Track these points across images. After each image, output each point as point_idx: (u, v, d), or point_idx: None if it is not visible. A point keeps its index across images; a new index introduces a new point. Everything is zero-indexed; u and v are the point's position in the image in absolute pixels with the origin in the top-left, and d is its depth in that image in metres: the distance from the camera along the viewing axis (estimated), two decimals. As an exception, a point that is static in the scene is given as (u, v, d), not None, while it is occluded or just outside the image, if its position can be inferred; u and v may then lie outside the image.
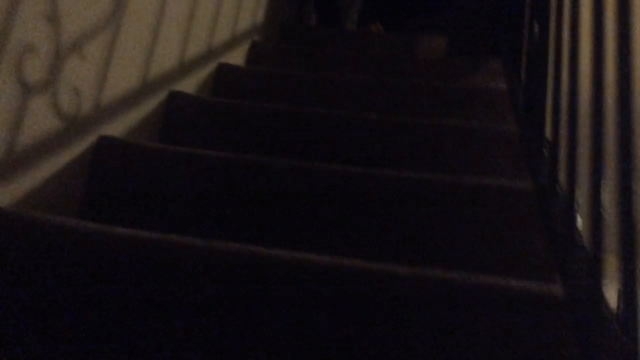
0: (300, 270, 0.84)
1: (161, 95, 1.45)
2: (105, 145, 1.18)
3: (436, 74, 1.92)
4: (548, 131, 1.02)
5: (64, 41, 1.01)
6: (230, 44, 1.93)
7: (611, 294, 0.66)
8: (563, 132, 0.88)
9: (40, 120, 0.98)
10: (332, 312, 0.79)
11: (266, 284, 0.82)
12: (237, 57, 2.00)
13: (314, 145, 1.44)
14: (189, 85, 1.61)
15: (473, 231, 1.00)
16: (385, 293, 0.79)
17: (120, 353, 0.82)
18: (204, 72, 1.72)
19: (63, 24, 1.00)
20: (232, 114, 1.52)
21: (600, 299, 0.67)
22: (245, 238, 1.11)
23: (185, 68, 1.57)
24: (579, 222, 0.80)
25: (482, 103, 1.59)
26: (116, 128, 1.24)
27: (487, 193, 1.01)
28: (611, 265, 0.66)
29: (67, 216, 1.10)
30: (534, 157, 1.05)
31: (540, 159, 1.02)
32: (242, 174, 1.18)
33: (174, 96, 1.49)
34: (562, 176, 0.87)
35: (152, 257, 0.86)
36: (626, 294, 0.60)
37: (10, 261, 0.87)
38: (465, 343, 0.75)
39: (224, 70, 1.83)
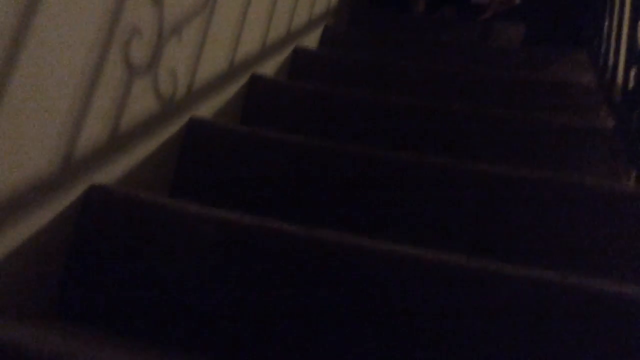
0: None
1: (244, 78, 1.46)
2: (196, 126, 1.19)
3: (517, 65, 1.86)
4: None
5: (166, 24, 1.02)
6: (306, 28, 1.93)
7: None
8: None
9: (141, 101, 1.00)
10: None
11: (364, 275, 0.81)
12: (311, 41, 2.00)
13: (391, 133, 1.42)
14: (268, 68, 1.61)
15: (572, 229, 0.97)
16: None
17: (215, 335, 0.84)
18: (282, 56, 1.73)
19: (165, 7, 1.01)
20: (309, 98, 1.51)
21: None
22: (325, 223, 1.11)
23: (266, 52, 1.57)
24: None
25: (572, 97, 1.53)
26: (205, 109, 1.25)
27: (589, 193, 0.98)
28: None
29: (159, 194, 1.12)
30: (638, 156, 1.01)
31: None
32: (317, 159, 1.18)
33: (256, 79, 1.49)
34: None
35: (251, 242, 0.87)
36: None
37: (116, 237, 0.90)
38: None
39: (300, 54, 1.82)
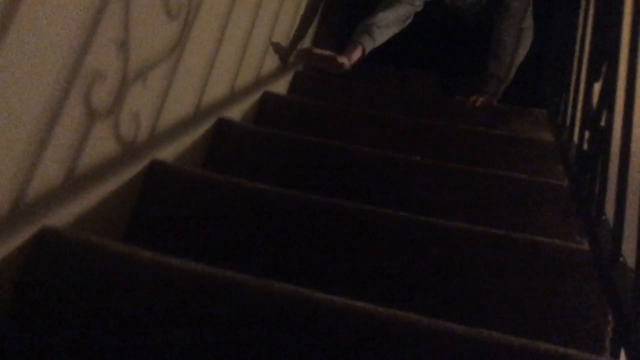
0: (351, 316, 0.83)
1: (210, 122, 1.46)
2: (156, 169, 1.19)
3: (478, 121, 1.91)
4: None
5: (131, 69, 1.02)
6: (276, 74, 1.95)
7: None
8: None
9: (101, 144, 0.99)
10: None
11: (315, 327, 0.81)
12: (281, 87, 2.02)
13: (354, 182, 1.43)
14: (236, 112, 1.62)
15: (526, 289, 0.98)
16: (440, 350, 0.77)
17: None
18: (250, 100, 1.74)
19: (131, 52, 1.01)
20: (275, 144, 1.52)
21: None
22: (285, 274, 1.10)
23: (234, 96, 1.59)
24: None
25: (529, 153, 1.58)
26: (167, 153, 1.24)
27: (543, 251, 1.00)
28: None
29: (114, 237, 1.11)
30: (592, 220, 1.03)
31: (598, 224, 1.00)
32: (279, 207, 1.18)
33: (222, 123, 1.50)
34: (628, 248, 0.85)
35: (204, 291, 0.86)
36: None
37: (65, 280, 0.88)
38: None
39: (268, 99, 1.84)
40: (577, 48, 1.56)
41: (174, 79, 1.19)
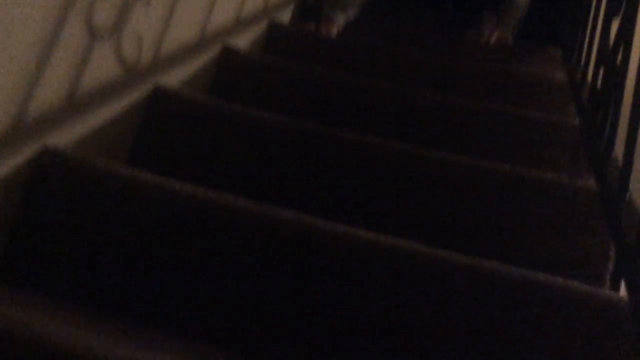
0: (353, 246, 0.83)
1: (215, 50, 1.43)
2: (160, 95, 1.17)
3: (492, 58, 1.86)
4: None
5: (133, -13, 0.99)
6: (282, 2, 1.89)
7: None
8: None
9: (103, 65, 0.97)
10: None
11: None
12: (286, 15, 1.96)
13: (361, 115, 1.41)
14: (242, 40, 1.58)
15: (530, 225, 0.98)
16: (440, 279, 0.78)
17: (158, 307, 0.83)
18: (256, 30, 1.69)
19: (134, -32, 0.98)
20: (282, 74, 1.49)
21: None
22: (286, 202, 1.10)
23: (240, 24, 1.54)
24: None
25: (541, 92, 1.54)
26: (171, 78, 1.22)
27: (549, 188, 0.99)
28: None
29: (117, 162, 1.10)
30: (600, 157, 1.02)
31: (607, 160, 0.99)
32: (284, 138, 1.17)
33: (227, 51, 1.46)
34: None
35: (206, 215, 0.85)
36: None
37: (65, 201, 0.88)
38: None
39: (274, 29, 1.79)
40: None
41: (178, 3, 1.15)
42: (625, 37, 1.14)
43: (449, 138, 1.33)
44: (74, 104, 0.93)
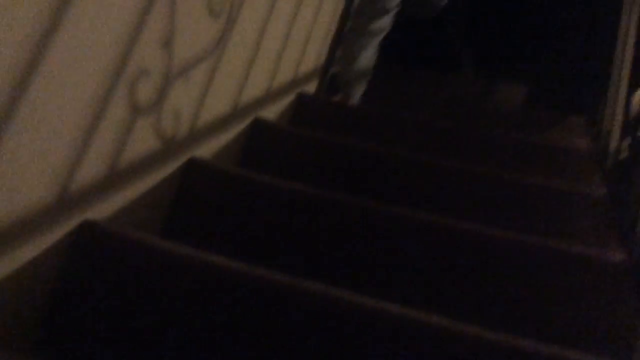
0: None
1: (246, 121, 1.48)
2: (194, 166, 1.21)
3: (516, 126, 1.89)
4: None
5: (174, 66, 1.05)
6: (311, 75, 1.97)
7: None
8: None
9: (143, 140, 1.02)
10: None
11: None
12: (312, 87, 2.03)
13: (389, 186, 1.44)
14: (271, 112, 1.64)
15: (559, 299, 0.98)
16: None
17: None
18: (285, 101, 1.76)
19: (175, 49, 1.04)
20: (310, 145, 1.53)
21: None
22: (317, 274, 1.12)
23: (270, 96, 1.61)
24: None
25: (566, 161, 1.56)
26: (205, 150, 1.27)
27: (577, 260, 0.99)
28: None
29: (152, 232, 1.14)
30: (626, 230, 1.02)
31: (633, 232, 0.99)
32: (313, 208, 1.19)
33: (258, 123, 1.52)
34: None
35: (239, 288, 0.87)
36: None
37: (103, 274, 0.91)
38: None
39: (303, 100, 1.85)
40: (618, 55, 1.54)
41: (215, 76, 1.21)
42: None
43: (476, 208, 1.34)
44: (114, 177, 0.97)
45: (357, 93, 2.03)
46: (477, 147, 1.68)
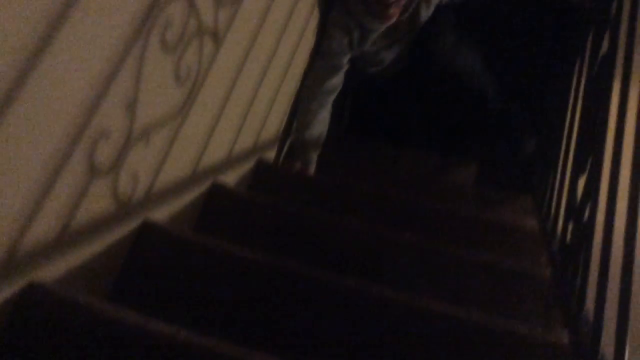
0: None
1: (205, 185, 1.49)
2: (147, 229, 1.20)
3: (468, 203, 1.95)
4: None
5: (135, 129, 1.06)
6: (271, 142, 2.00)
7: None
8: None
9: (97, 202, 1.01)
10: None
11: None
12: (271, 154, 2.06)
13: (339, 255, 1.45)
14: (230, 177, 1.65)
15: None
16: None
17: None
18: (245, 167, 1.77)
19: (138, 113, 1.05)
20: (267, 212, 1.54)
21: None
22: (268, 343, 1.10)
23: (230, 162, 1.62)
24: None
25: (514, 239, 1.60)
26: (161, 213, 1.26)
27: (521, 341, 1.01)
28: None
29: (100, 294, 1.10)
30: (571, 312, 1.05)
31: (579, 315, 1.02)
32: (264, 276, 1.19)
33: (216, 188, 1.52)
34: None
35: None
36: None
37: (48, 337, 0.87)
38: None
39: (261, 166, 1.87)
40: (564, 140, 1.62)
41: (176, 140, 1.22)
42: (591, 195, 1.22)
43: (422, 282, 1.36)
44: (66, 238, 0.95)
45: (313, 158, 2.06)
46: (429, 222, 1.72)
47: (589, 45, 1.55)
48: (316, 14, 2.05)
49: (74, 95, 0.86)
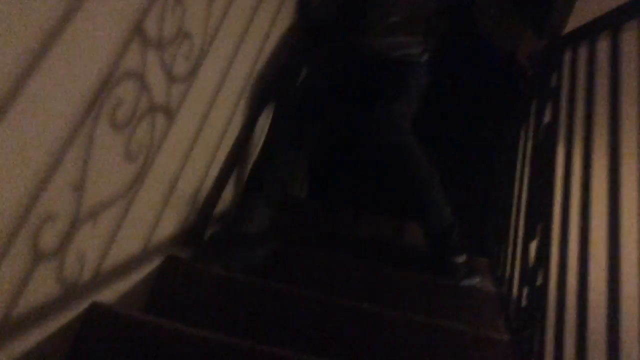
0: None
1: (157, 261, 1.45)
2: (96, 312, 1.15)
3: (422, 265, 1.95)
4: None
5: (83, 210, 1.03)
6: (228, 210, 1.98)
7: None
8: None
9: (43, 285, 0.97)
10: None
11: None
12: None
13: (299, 329, 1.42)
14: (185, 251, 1.62)
15: None
16: None
17: None
18: (200, 235, 1.75)
19: (86, 193, 1.02)
20: (220, 285, 1.51)
21: None
22: None
23: (183, 235, 1.59)
24: None
25: (473, 303, 1.61)
26: (110, 293, 1.22)
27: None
28: None
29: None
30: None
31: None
32: (220, 356, 1.15)
33: (169, 261, 1.49)
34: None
35: None
36: None
37: None
38: None
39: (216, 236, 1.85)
40: (514, 207, 1.66)
41: (125, 220, 1.20)
42: (543, 260, 1.24)
43: (379, 352, 1.34)
44: (8, 327, 0.90)
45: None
46: (388, 287, 1.71)
47: (532, 113, 1.62)
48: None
49: (19, 178, 0.84)
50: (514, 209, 1.64)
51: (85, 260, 1.09)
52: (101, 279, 1.17)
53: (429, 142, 2.30)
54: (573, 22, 1.88)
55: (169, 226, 1.47)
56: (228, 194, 1.92)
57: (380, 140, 1.78)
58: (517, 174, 1.69)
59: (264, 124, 2.09)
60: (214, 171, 1.71)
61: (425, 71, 1.93)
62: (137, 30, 1.04)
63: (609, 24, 1.11)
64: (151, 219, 1.34)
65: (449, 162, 2.37)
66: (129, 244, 1.26)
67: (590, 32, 1.22)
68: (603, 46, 1.14)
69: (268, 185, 1.80)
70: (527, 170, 1.63)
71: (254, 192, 1.81)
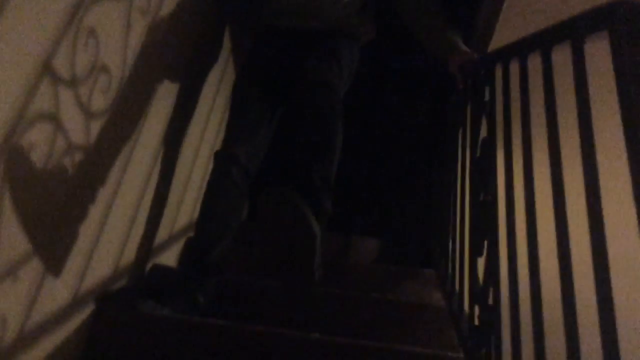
0: None
1: (91, 306, 1.35)
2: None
3: (372, 281, 1.92)
4: None
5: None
6: (166, 245, 1.88)
7: None
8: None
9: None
10: None
11: None
12: (170, 257, 1.94)
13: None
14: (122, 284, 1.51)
15: None
16: None
17: None
18: (138, 273, 1.64)
19: (1, 250, 0.93)
20: (161, 326, 1.42)
21: None
22: None
23: (118, 273, 1.49)
24: None
25: (424, 318, 1.59)
26: (39, 352, 1.11)
27: None
28: None
29: None
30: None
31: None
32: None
33: (104, 302, 1.38)
34: None
35: None
36: None
37: None
38: None
39: (156, 272, 1.75)
40: (457, 219, 1.64)
41: (48, 270, 1.10)
42: (492, 278, 1.22)
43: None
44: None
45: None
46: (336, 310, 1.66)
47: (468, 125, 1.61)
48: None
49: None
50: (457, 221, 1.62)
51: (7, 322, 0.98)
52: (28, 337, 1.06)
53: (367, 151, 2.27)
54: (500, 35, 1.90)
55: (101, 267, 1.37)
56: (166, 222, 1.82)
57: (309, 100, 1.55)
58: (459, 182, 1.67)
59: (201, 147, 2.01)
60: (147, 204, 1.62)
61: (358, 50, 1.80)
62: (46, 67, 0.95)
63: (540, 44, 1.09)
64: (81, 264, 1.24)
65: (390, 170, 2.35)
66: (57, 294, 1.15)
67: (521, 49, 1.20)
68: (535, 64, 1.13)
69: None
70: (467, 182, 1.61)
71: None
